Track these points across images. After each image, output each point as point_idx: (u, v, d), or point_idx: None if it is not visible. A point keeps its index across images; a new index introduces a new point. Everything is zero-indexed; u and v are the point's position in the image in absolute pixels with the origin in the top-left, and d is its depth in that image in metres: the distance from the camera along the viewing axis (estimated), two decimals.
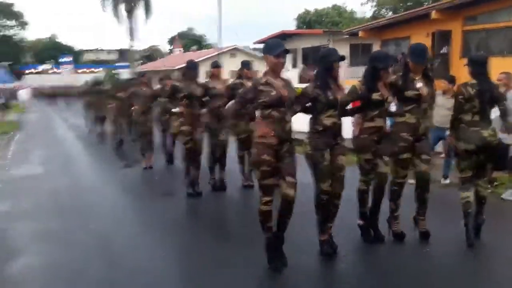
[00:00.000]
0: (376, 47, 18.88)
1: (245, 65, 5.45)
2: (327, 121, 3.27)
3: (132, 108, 7.04)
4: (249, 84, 5.26)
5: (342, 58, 3.27)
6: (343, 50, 3.76)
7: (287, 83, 3.17)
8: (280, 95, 3.05)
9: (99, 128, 11.21)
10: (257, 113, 3.16)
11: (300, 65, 20.36)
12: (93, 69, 46.57)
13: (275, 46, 3.05)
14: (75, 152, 9.21)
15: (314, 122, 3.35)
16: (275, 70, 3.09)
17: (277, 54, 3.03)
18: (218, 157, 5.50)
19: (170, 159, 7.28)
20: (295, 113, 3.27)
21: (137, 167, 7.12)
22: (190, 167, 5.30)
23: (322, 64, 3.29)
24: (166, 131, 7.33)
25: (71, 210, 4.88)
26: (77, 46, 64.06)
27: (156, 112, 7.37)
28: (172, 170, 7.00)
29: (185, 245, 3.80)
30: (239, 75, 5.39)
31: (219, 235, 3.99)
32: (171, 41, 55.11)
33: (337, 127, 3.32)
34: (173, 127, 7.06)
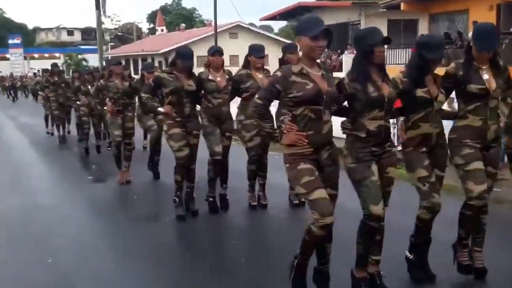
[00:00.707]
0: (422, 24, 18.93)
1: (288, 48, 5.29)
2: (371, 125, 3.24)
3: (105, 107, 7.06)
4: (258, 75, 5.42)
5: (387, 40, 3.22)
6: (379, 27, 3.70)
7: (326, 73, 3.17)
8: (318, 89, 3.05)
9: (61, 131, 11.33)
10: (283, 112, 3.15)
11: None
12: (51, 54, 46.96)
13: (312, 25, 3.03)
14: (29, 162, 9.27)
15: (353, 126, 3.31)
16: (311, 56, 3.08)
17: (314, 35, 3.01)
18: (220, 168, 5.50)
19: (154, 172, 7.30)
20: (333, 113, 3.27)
21: (111, 181, 7.14)
22: (183, 181, 5.30)
23: (360, 49, 3.24)
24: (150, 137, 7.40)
25: (24, 239, 4.88)
26: (31, 23, 64.56)
27: (136, 112, 7.41)
28: (156, 186, 7.01)
29: (174, 285, 3.79)
30: (246, 62, 5.35)
31: (218, 273, 3.97)
32: (152, 17, 55.55)
33: (384, 132, 3.29)
34: (153, 131, 7.19)
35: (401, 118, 3.65)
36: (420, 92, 3.41)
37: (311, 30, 3.01)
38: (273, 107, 3.51)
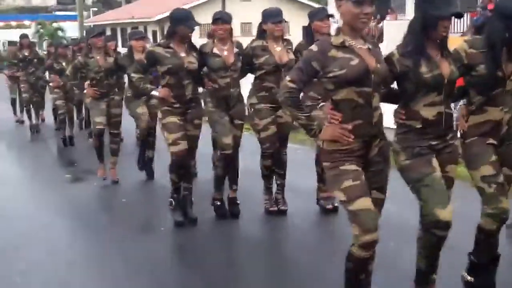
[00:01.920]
0: None
1: (317, 14, 5.25)
2: (428, 112, 3.22)
3: (85, 90, 7.04)
4: (276, 48, 5.34)
5: (459, 15, 3.18)
6: None
7: (374, 47, 3.14)
8: (365, 66, 3.02)
9: (34, 118, 11.42)
10: (311, 96, 3.11)
11: None
12: (19, 21, 47.30)
13: None
14: None
15: (405, 114, 3.29)
16: (355, 25, 3.05)
17: (357, 0, 2.97)
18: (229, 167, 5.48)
19: (148, 171, 7.30)
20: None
21: (93, 181, 7.18)
22: (180, 182, 5.32)
23: (418, 16, 3.20)
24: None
25: None
26: None
27: (125, 95, 7.38)
28: (149, 188, 7.05)
29: None
30: (261, 31, 5.30)
31: None
32: None
33: (445, 120, 3.27)
34: (144, 120, 7.06)
35: (461, 101, 3.60)
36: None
37: None
38: None
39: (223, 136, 5.28)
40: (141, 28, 31.23)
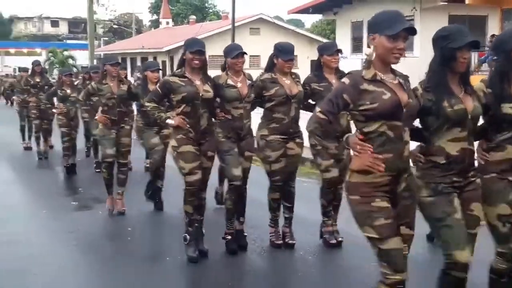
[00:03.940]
0: (492, 22, 18.79)
1: (326, 48, 5.40)
2: (452, 148, 3.23)
3: (96, 117, 7.02)
4: (286, 81, 5.39)
5: (476, 44, 3.20)
6: (438, 24, 3.70)
7: (405, 81, 3.15)
8: (397, 100, 3.03)
9: (42, 144, 11.46)
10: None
11: (366, 48, 20.48)
12: (30, 49, 47.79)
13: (392, 21, 3.00)
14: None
15: (427, 148, 3.31)
16: (387, 59, 3.06)
17: (393, 35, 2.98)
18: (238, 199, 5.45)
19: (157, 201, 7.22)
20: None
21: (99, 209, 7.18)
22: (194, 213, 5.22)
23: (440, 51, 3.23)
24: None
25: None
26: (7, 11, 65.73)
27: (136, 124, 7.41)
28: (156, 217, 7.03)
29: None
30: (271, 64, 5.35)
31: None
32: (155, 7, 56.32)
33: (469, 157, 3.27)
34: (158, 151, 6.99)
35: (481, 140, 3.59)
36: (507, 108, 3.38)
37: (391, 28, 2.97)
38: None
39: (233, 168, 5.25)
40: (151, 58, 31.55)
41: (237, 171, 5.25)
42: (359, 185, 3.06)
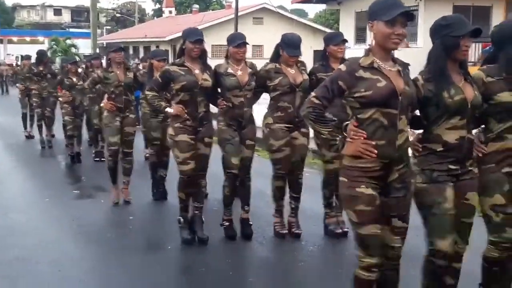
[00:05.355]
0: (497, 12, 18.71)
1: (332, 39, 5.40)
2: (450, 136, 3.23)
3: (101, 105, 7.02)
4: (290, 70, 5.37)
5: (478, 32, 3.20)
6: (442, 15, 3.68)
7: (404, 69, 3.16)
8: (392, 88, 3.04)
9: (44, 132, 11.47)
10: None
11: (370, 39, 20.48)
12: (33, 37, 47.75)
13: (389, 6, 3.00)
14: (1, 172, 9.36)
15: (425, 136, 3.32)
16: (386, 46, 3.07)
17: (391, 20, 2.99)
18: (240, 186, 5.51)
19: (160, 193, 7.21)
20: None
21: (101, 197, 7.21)
22: (189, 200, 5.34)
23: (442, 40, 3.22)
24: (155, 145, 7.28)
25: None
26: (9, 0, 65.50)
27: (143, 111, 7.36)
28: (158, 206, 7.05)
29: None
30: (276, 55, 5.36)
31: None
32: None
33: (467, 145, 3.28)
34: (152, 139, 7.06)
35: (478, 130, 3.59)
36: (508, 96, 3.38)
37: (388, 13, 2.98)
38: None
39: (232, 156, 5.31)
40: (153, 47, 31.53)
41: (235, 160, 5.32)
42: (349, 168, 3.11)
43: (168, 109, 5.21)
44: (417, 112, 3.35)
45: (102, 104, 7.01)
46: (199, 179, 5.36)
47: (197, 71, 5.14)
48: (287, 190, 5.57)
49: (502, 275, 3.57)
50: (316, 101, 3.13)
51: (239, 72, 5.27)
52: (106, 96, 6.92)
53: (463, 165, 3.28)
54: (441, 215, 3.21)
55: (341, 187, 3.18)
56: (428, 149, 3.28)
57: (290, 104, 5.23)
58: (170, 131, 5.28)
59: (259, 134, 5.55)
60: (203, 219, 5.46)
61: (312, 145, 5.71)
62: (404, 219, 3.18)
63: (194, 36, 5.12)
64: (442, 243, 3.22)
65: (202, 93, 5.17)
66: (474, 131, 3.51)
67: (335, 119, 3.22)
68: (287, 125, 5.27)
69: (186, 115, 5.14)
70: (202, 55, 5.22)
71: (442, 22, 3.25)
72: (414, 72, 3.32)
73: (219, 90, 5.37)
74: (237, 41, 5.26)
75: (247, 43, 5.32)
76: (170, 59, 8.57)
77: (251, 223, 5.59)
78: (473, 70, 3.54)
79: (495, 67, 3.45)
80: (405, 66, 3.19)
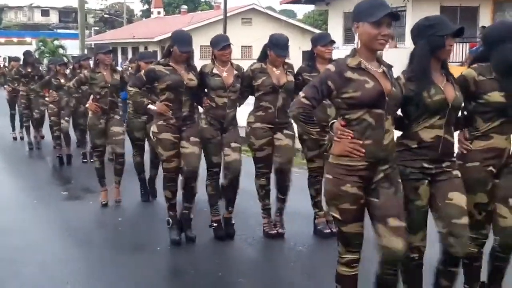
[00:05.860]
0: (484, 13, 18.85)
1: (320, 39, 5.39)
2: (426, 134, 3.25)
3: (87, 105, 6.98)
4: (275, 71, 5.39)
5: (461, 31, 3.23)
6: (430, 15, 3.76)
7: (388, 70, 3.18)
8: (380, 89, 3.05)
9: (32, 134, 11.42)
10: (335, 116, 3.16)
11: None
12: (20, 38, 47.46)
13: (374, 8, 3.01)
14: None
15: (404, 134, 3.34)
16: (371, 46, 3.08)
17: (376, 21, 3.00)
18: (227, 186, 5.50)
19: (148, 193, 7.23)
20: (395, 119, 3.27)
21: (89, 198, 7.19)
22: (175, 198, 5.36)
23: (426, 40, 3.23)
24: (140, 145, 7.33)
25: None
26: None
27: (128, 110, 7.38)
28: (147, 207, 7.04)
29: None
30: (263, 55, 5.37)
31: None
32: None
33: (443, 145, 3.28)
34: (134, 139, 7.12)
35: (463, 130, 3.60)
36: (498, 96, 3.39)
37: (373, 14, 2.99)
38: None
39: (212, 155, 5.39)
40: (142, 48, 31.48)
41: (216, 159, 5.42)
42: (335, 166, 3.12)
43: (151, 106, 5.20)
44: (399, 112, 3.37)
45: (87, 105, 6.98)
46: (191, 182, 5.30)
47: (182, 71, 5.16)
48: (274, 191, 5.58)
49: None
50: (306, 102, 3.12)
51: (225, 74, 5.28)
52: (91, 97, 6.89)
53: (439, 165, 3.28)
54: (413, 212, 3.28)
55: (325, 184, 3.21)
56: (404, 145, 3.31)
57: (271, 104, 5.26)
58: (153, 128, 5.27)
59: (242, 133, 5.57)
60: (192, 216, 5.47)
61: (299, 145, 5.72)
62: (400, 218, 3.14)
63: (185, 46, 5.11)
64: (414, 238, 3.30)
65: (187, 93, 5.18)
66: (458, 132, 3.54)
67: (315, 118, 3.22)
68: (268, 125, 5.30)
69: (170, 114, 5.15)
70: (188, 57, 5.22)
71: (426, 23, 3.27)
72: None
73: (206, 90, 5.37)
74: (221, 44, 5.27)
75: (232, 44, 5.32)
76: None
77: (233, 222, 5.60)
78: (461, 70, 3.57)
79: (487, 66, 3.46)
80: (389, 67, 3.20)
